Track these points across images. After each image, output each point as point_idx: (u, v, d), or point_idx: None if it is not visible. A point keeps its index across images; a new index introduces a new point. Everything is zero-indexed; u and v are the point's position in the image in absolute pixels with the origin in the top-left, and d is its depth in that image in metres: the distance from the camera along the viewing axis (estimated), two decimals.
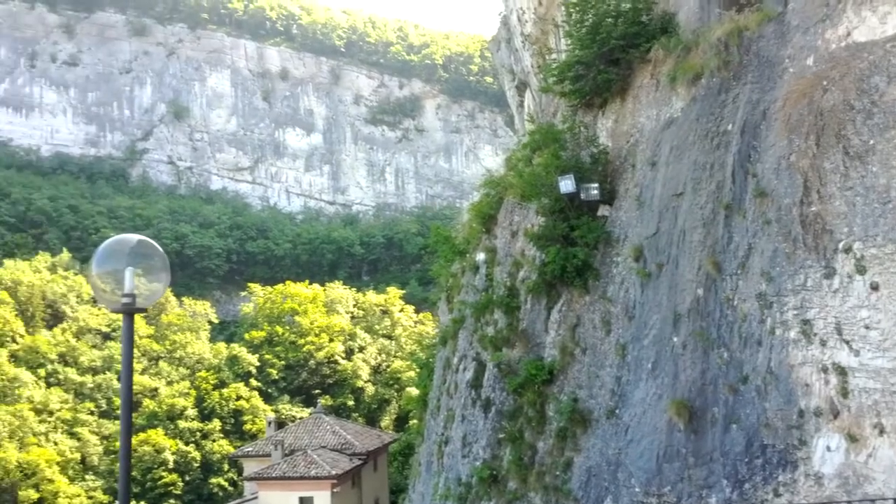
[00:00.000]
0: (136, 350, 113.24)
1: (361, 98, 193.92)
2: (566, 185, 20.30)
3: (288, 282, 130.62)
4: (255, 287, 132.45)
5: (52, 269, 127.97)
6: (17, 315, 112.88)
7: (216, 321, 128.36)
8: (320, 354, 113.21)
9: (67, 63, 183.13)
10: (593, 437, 18.34)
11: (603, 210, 20.59)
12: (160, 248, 8.36)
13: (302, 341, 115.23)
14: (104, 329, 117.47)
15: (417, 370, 51.24)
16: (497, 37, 41.93)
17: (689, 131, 16.83)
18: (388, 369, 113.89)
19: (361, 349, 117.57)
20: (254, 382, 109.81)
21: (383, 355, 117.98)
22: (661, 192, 17.66)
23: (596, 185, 20.17)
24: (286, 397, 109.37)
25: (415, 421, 49.10)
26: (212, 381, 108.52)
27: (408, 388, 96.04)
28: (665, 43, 19.00)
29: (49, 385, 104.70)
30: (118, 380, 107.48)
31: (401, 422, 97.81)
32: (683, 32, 19.04)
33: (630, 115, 20.35)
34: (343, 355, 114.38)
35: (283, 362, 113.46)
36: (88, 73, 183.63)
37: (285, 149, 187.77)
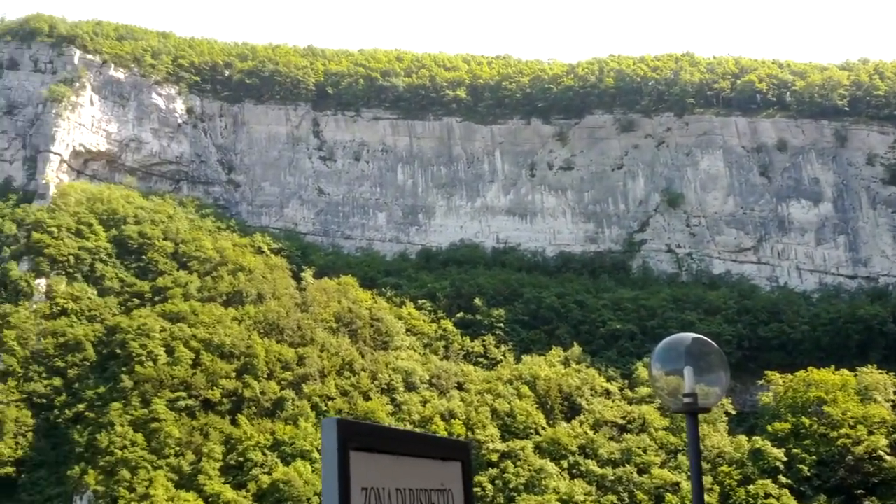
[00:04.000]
0: (652, 442, 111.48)
1: (876, 157, 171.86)
2: None
3: (810, 368, 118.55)
4: (773, 375, 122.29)
5: (565, 362, 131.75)
6: (537, 408, 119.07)
7: (733, 412, 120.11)
8: (859, 449, 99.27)
9: (563, 168, 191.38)
10: None
11: None
12: (716, 346, 8.58)
13: (834, 434, 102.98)
14: (619, 422, 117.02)
15: None
16: None
17: None
18: None
19: None
20: (782, 479, 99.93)
21: None
22: None
23: None
24: (822, 497, 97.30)
25: None
26: (735, 477, 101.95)
27: None
28: None
29: (572, 476, 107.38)
30: (638, 473, 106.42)
31: None
32: None
33: None
34: (888, 450, 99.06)
35: (814, 458, 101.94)
36: (583, 174, 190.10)
37: (790, 223, 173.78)
